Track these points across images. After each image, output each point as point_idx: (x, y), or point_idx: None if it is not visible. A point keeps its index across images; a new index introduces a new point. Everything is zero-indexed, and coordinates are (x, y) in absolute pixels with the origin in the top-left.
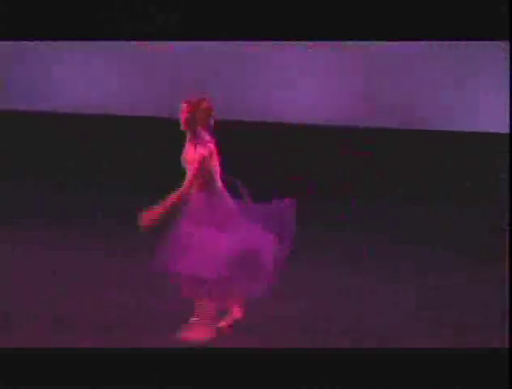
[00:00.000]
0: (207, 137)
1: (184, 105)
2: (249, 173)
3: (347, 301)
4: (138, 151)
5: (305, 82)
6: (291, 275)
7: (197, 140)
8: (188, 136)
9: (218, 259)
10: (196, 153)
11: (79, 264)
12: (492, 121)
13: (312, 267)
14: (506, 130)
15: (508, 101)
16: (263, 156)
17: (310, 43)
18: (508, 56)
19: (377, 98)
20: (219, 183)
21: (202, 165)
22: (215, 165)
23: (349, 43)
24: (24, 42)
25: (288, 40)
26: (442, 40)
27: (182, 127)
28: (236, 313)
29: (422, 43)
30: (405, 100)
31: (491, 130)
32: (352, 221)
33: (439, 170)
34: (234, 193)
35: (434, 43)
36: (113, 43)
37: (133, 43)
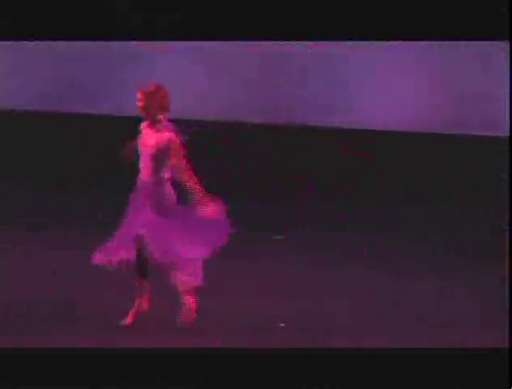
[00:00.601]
0: (169, 124)
1: (140, 93)
2: (249, 172)
3: (347, 301)
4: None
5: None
6: (291, 275)
7: (157, 127)
8: (146, 123)
9: None
10: (167, 139)
11: (79, 264)
12: (492, 122)
13: (312, 267)
14: (507, 131)
15: (508, 102)
16: (263, 156)
17: (311, 43)
18: (508, 56)
19: (378, 98)
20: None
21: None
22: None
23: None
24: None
25: (289, 39)
26: (442, 40)
27: (141, 114)
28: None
29: (422, 43)
30: (405, 101)
31: (491, 131)
32: (352, 221)
33: (439, 170)
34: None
35: (434, 43)
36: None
37: (133, 43)
